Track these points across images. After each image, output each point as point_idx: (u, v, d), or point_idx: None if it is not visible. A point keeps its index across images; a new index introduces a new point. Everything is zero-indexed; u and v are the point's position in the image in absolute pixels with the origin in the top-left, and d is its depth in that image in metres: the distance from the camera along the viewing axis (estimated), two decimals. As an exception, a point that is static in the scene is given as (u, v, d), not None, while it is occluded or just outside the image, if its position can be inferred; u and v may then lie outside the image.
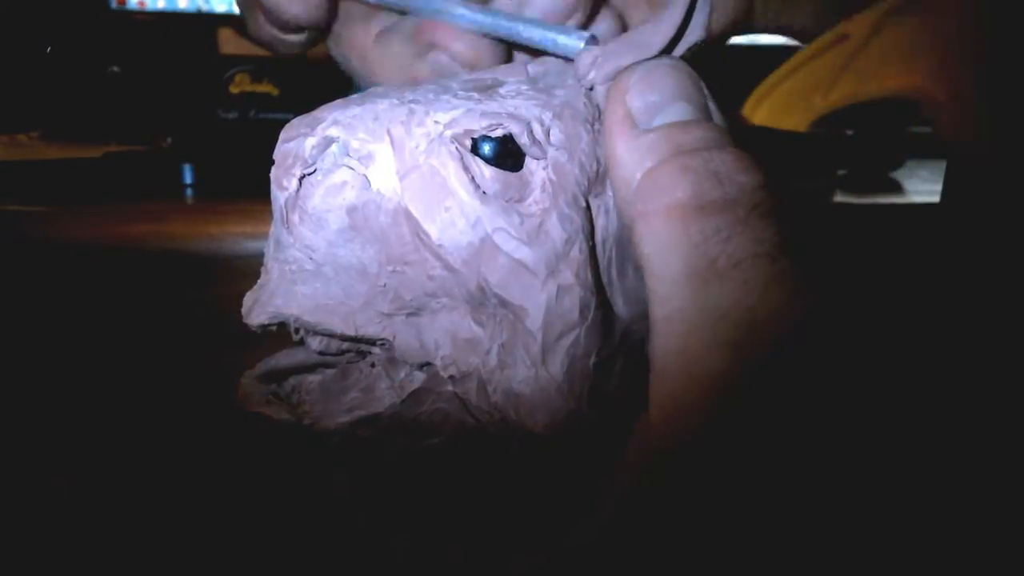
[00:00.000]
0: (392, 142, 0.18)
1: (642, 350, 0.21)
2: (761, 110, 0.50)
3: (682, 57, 0.21)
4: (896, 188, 0.40)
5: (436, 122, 0.18)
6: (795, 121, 0.46)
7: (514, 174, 0.18)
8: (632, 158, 0.17)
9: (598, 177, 0.20)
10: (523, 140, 0.18)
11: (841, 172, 0.40)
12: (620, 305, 0.21)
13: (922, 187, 0.40)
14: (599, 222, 0.20)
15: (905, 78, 0.38)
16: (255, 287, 0.19)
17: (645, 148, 0.17)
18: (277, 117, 0.36)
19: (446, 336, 0.19)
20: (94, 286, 0.28)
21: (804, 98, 0.46)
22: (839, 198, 0.37)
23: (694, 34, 0.20)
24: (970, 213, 0.33)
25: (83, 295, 0.28)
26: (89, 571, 0.29)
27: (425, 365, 0.19)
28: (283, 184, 0.18)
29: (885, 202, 0.36)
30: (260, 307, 0.18)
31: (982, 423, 0.32)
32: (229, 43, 0.57)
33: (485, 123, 0.18)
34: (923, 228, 0.34)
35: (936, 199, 0.35)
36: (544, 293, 0.18)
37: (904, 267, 0.33)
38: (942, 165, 0.35)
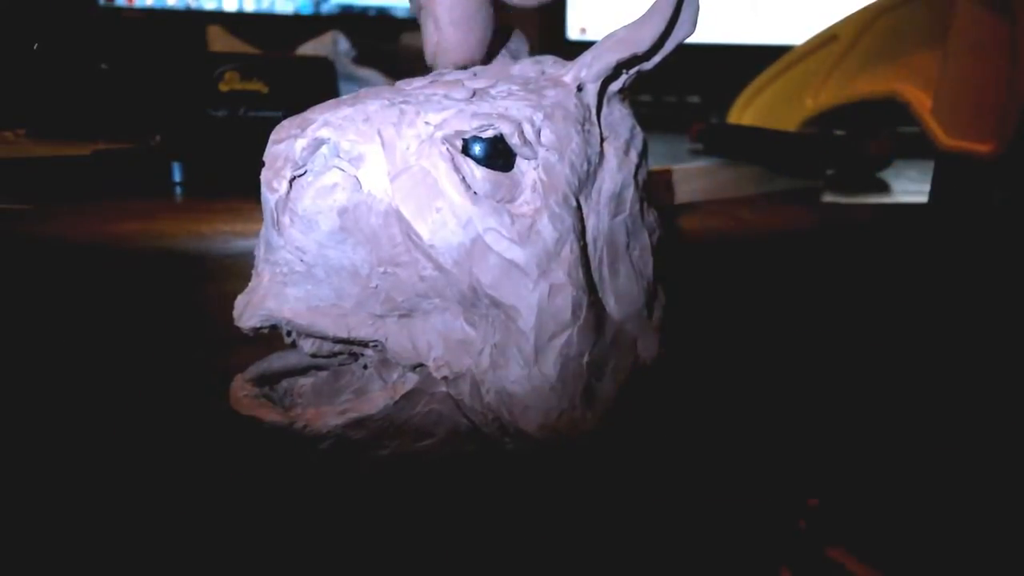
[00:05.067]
0: (383, 143, 0.18)
1: (634, 349, 0.21)
2: (752, 109, 0.50)
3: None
4: (884, 188, 0.40)
5: (427, 123, 0.18)
6: (785, 121, 0.46)
7: (505, 174, 0.18)
8: None
9: (588, 177, 0.20)
10: (514, 140, 0.18)
11: (830, 172, 0.41)
12: (612, 304, 0.21)
13: (910, 187, 0.40)
14: (590, 222, 0.20)
15: (892, 78, 0.38)
16: (246, 290, 0.19)
17: None
18: (267, 115, 0.35)
19: (438, 337, 0.19)
20: (82, 285, 0.28)
21: (794, 98, 0.46)
22: (827, 198, 0.37)
23: (683, 29, 0.21)
24: (957, 213, 0.33)
25: (70, 294, 0.28)
26: (79, 572, 0.28)
27: (418, 366, 0.19)
28: (273, 186, 0.18)
29: (873, 202, 0.36)
30: (252, 310, 0.18)
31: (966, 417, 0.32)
32: (218, 40, 0.57)
33: (476, 124, 0.18)
34: (911, 228, 0.34)
35: (924, 199, 0.35)
36: (536, 293, 0.18)
37: (892, 266, 0.34)
38: (930, 165, 0.35)
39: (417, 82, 0.21)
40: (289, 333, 0.19)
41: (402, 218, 0.18)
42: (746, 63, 0.51)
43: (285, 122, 0.18)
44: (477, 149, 0.18)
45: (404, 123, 0.18)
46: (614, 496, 0.26)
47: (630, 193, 0.22)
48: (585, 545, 0.25)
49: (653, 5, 0.20)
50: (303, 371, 0.21)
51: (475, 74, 0.21)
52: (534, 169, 0.19)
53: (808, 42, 0.46)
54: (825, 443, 0.33)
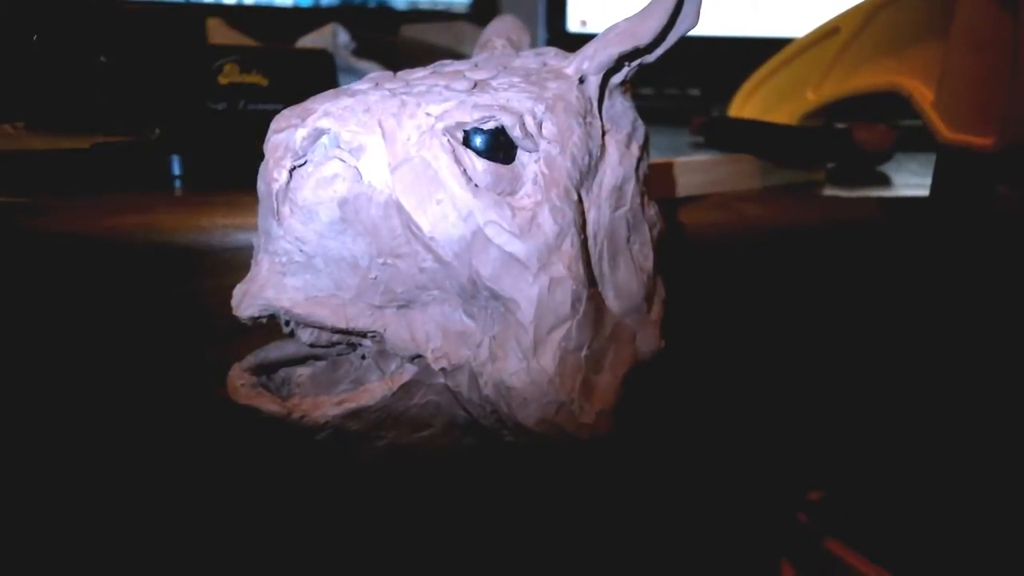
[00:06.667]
0: (383, 134, 0.18)
1: (634, 343, 0.21)
2: (753, 102, 0.50)
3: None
4: (885, 181, 0.40)
5: (428, 114, 0.18)
6: (786, 114, 0.46)
7: (506, 167, 0.18)
8: None
9: (590, 170, 0.20)
10: (515, 133, 0.18)
11: (830, 165, 0.41)
12: (612, 298, 0.21)
13: (911, 180, 0.40)
14: (591, 215, 0.20)
15: (893, 71, 0.38)
16: (245, 279, 0.19)
17: None
18: (267, 108, 0.35)
19: (437, 329, 0.19)
20: (81, 278, 0.28)
21: (795, 91, 0.46)
22: (828, 191, 0.37)
23: (686, 23, 0.20)
24: (958, 207, 0.33)
25: (70, 287, 0.27)
26: (78, 568, 0.28)
27: (416, 357, 0.19)
28: (274, 176, 0.18)
29: (874, 195, 0.36)
30: (250, 299, 0.18)
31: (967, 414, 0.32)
32: (217, 33, 0.57)
33: (477, 115, 0.18)
34: (912, 221, 0.34)
35: (925, 193, 0.35)
36: (536, 286, 0.18)
37: (893, 259, 0.34)
38: (931, 159, 0.35)
39: (418, 72, 0.21)
40: (287, 323, 0.19)
41: (402, 210, 0.18)
42: (747, 56, 0.51)
43: (285, 112, 0.18)
44: (478, 141, 0.18)
45: (405, 114, 0.18)
46: (614, 488, 0.26)
47: (631, 187, 0.21)
48: (585, 536, 0.26)
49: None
50: (301, 361, 0.21)
51: (476, 65, 0.21)
52: (535, 162, 0.19)
53: (809, 35, 0.45)
54: (825, 437, 0.33)
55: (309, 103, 0.18)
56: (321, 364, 0.22)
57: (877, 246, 0.34)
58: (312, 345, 0.20)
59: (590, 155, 0.20)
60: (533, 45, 0.25)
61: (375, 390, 0.19)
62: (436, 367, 0.19)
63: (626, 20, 0.20)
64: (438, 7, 0.72)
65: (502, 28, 0.27)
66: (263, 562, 0.28)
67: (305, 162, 0.18)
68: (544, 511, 0.25)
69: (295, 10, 0.69)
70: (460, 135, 0.18)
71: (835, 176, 0.40)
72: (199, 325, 0.27)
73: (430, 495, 0.24)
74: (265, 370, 0.21)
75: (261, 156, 0.18)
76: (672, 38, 0.21)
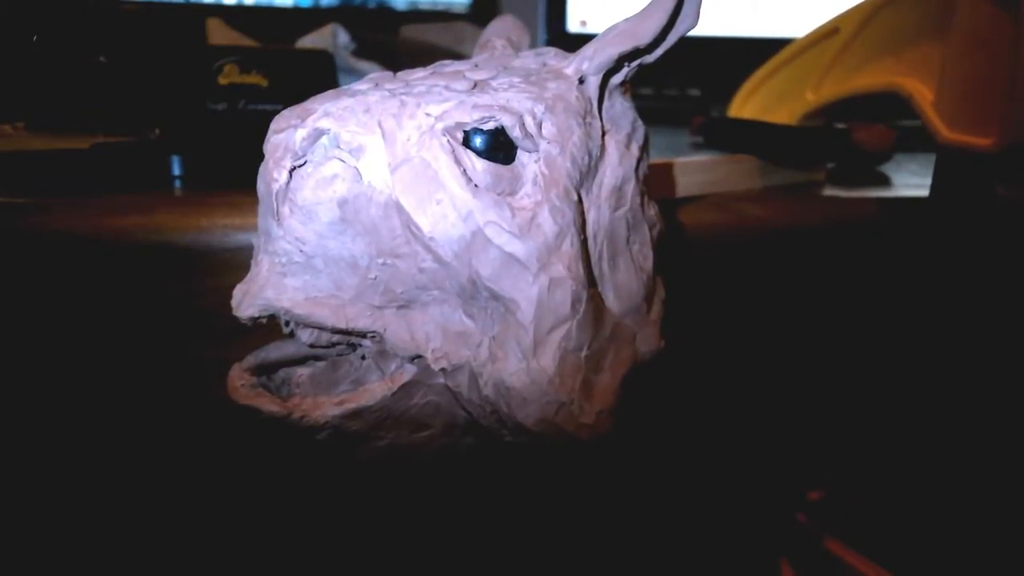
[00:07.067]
0: (383, 134, 0.18)
1: (633, 343, 0.21)
2: (752, 102, 0.50)
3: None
4: (885, 182, 0.40)
5: (428, 114, 0.18)
6: (786, 114, 0.46)
7: (506, 167, 0.18)
8: None
9: (590, 170, 0.20)
10: (515, 133, 0.18)
11: (830, 165, 0.41)
12: (611, 298, 0.21)
13: (911, 181, 0.40)
14: (590, 215, 0.20)
15: (893, 71, 0.38)
16: (245, 279, 0.19)
17: None
18: (267, 108, 0.35)
19: (437, 329, 0.19)
20: (81, 278, 0.28)
21: (795, 91, 0.46)
22: (828, 191, 0.37)
23: (685, 23, 0.20)
24: (958, 207, 0.33)
25: (70, 288, 0.28)
26: (78, 568, 0.28)
27: (416, 358, 0.19)
28: (273, 176, 0.18)
29: (874, 195, 0.36)
30: (250, 299, 0.18)
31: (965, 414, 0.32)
32: (217, 33, 0.57)
33: (477, 115, 0.18)
34: (912, 221, 0.34)
35: (925, 193, 0.35)
36: (536, 286, 0.18)
37: (893, 260, 0.34)
38: (931, 159, 0.35)
39: (418, 73, 0.21)
40: (287, 323, 0.19)
41: (402, 210, 0.18)
42: (747, 56, 0.51)
43: (285, 112, 0.18)
44: (478, 141, 0.18)
45: (405, 114, 0.18)
46: (614, 489, 0.26)
47: (631, 187, 0.21)
48: (585, 536, 0.26)
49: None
50: (301, 361, 0.21)
51: (476, 65, 0.21)
52: (535, 162, 0.19)
53: (809, 35, 0.45)
54: (825, 437, 0.33)
55: (309, 103, 0.18)
56: (321, 364, 0.22)
57: (877, 246, 0.34)
58: (312, 345, 0.20)
59: (590, 155, 0.20)
60: (533, 45, 0.25)
61: (375, 390, 0.19)
62: (436, 367, 0.19)
63: (626, 20, 0.20)
64: (438, 7, 0.72)
65: (502, 28, 0.27)
66: (263, 562, 0.28)
67: (305, 162, 0.18)
68: (544, 511, 0.25)
69: (295, 10, 0.69)
70: (460, 135, 0.18)
71: (835, 176, 0.40)
72: (199, 325, 0.27)
73: (430, 495, 0.24)
74: (265, 370, 0.21)
75: (261, 156, 0.18)
76: (672, 38, 0.21)
